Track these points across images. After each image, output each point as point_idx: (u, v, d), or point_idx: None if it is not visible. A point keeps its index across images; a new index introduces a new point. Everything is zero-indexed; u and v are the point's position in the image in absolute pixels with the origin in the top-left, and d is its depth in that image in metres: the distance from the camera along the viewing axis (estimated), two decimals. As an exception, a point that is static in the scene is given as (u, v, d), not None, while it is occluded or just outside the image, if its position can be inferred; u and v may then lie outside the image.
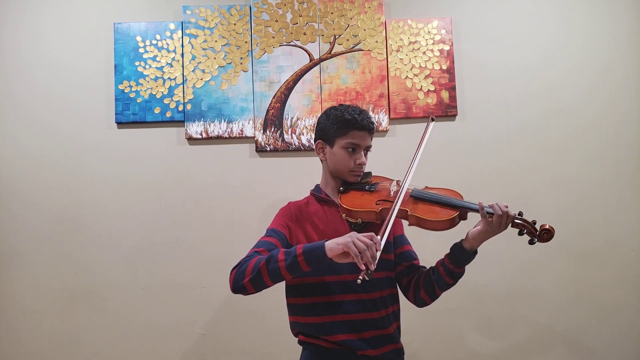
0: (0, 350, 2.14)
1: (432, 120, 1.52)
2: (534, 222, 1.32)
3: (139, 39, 2.25)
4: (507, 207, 1.29)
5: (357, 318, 1.37)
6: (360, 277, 1.14)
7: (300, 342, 1.44)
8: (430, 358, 2.17)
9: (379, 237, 1.19)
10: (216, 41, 2.25)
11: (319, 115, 1.52)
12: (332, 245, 1.19)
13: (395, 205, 1.32)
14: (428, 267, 1.47)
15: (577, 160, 2.26)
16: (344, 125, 1.42)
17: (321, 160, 1.52)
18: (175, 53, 2.25)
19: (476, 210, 1.31)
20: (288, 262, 1.22)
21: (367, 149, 1.47)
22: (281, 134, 2.22)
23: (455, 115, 2.26)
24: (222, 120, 2.22)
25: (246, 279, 1.25)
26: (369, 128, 1.44)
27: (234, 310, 2.18)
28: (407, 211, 1.35)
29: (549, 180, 2.25)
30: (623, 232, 2.24)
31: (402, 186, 1.38)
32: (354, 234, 1.18)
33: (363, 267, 1.13)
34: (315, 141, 1.51)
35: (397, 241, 1.52)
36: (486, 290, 2.20)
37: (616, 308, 2.21)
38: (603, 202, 2.25)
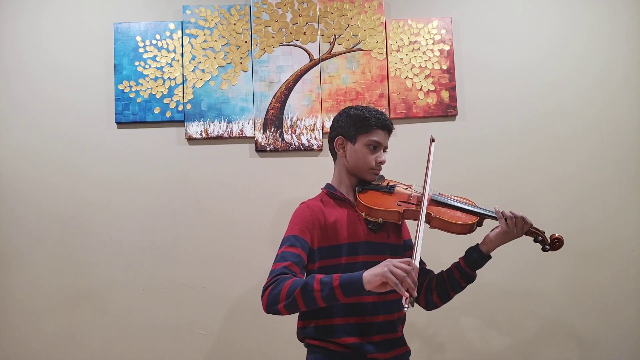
0: (0, 350, 2.14)
1: (433, 141, 1.55)
2: (543, 232, 1.41)
3: (138, 39, 2.24)
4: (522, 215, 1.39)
5: (369, 321, 1.37)
6: (406, 305, 1.10)
7: (306, 345, 1.42)
8: (435, 357, 2.17)
9: (413, 261, 1.17)
10: (216, 41, 2.25)
11: (334, 115, 1.54)
12: (370, 277, 1.16)
13: (422, 209, 1.36)
14: (437, 272, 1.50)
15: (577, 160, 2.26)
16: (367, 124, 1.45)
17: (334, 159, 1.53)
18: (175, 53, 2.25)
19: (493, 217, 1.40)
20: (324, 292, 1.20)
21: (384, 149, 1.50)
22: (281, 134, 2.22)
23: (455, 115, 2.26)
24: (222, 120, 2.22)
25: (281, 304, 1.23)
26: (389, 128, 1.49)
27: (235, 310, 2.18)
28: (431, 214, 1.39)
29: (549, 180, 2.25)
30: (623, 232, 2.23)
31: (424, 190, 1.41)
32: (389, 261, 1.15)
33: (406, 295, 1.10)
34: (333, 138, 1.50)
35: (407, 245, 1.54)
36: (489, 288, 2.19)
37: (617, 307, 2.21)
38: (603, 202, 2.24)
